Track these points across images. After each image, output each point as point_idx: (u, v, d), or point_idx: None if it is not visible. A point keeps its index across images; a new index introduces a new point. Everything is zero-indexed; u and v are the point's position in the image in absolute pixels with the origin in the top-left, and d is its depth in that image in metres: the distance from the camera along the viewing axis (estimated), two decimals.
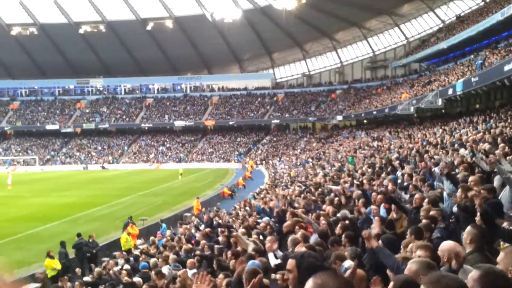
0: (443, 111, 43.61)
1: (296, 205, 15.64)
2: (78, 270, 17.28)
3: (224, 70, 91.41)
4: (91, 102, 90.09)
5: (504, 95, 35.89)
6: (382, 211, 10.10)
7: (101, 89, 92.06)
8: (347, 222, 9.24)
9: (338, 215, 11.21)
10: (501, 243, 5.52)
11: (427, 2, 68.24)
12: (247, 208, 23.73)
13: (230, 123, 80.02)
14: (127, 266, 14.90)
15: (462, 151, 15.46)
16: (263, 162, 65.84)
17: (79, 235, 20.16)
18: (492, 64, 33.47)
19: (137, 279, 12.30)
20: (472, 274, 2.77)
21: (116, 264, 16.05)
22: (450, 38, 53.44)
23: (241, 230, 13.07)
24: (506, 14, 39.55)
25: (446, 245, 4.60)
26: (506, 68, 28.20)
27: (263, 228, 12.79)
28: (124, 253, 19.07)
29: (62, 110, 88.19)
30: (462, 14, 62.29)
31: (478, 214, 6.08)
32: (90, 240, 20.25)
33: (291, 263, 3.86)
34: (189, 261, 12.07)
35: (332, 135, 69.96)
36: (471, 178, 8.69)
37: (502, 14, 40.59)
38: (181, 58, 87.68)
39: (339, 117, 71.65)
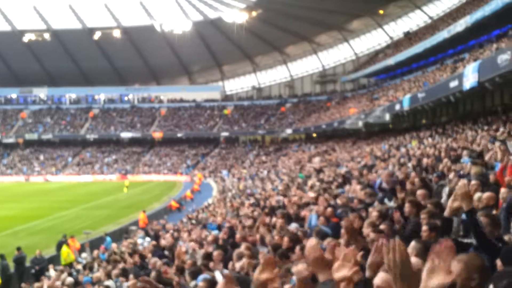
0: (390, 126, 44.26)
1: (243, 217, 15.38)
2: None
3: (173, 81, 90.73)
4: (34, 112, 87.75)
5: (450, 111, 36.66)
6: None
7: (45, 99, 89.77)
8: (299, 233, 9.12)
9: (289, 227, 11.05)
10: None
11: (376, 19, 69.50)
12: (193, 221, 23.36)
13: (179, 135, 79.22)
14: (69, 280, 14.32)
15: (411, 165, 15.54)
16: (212, 175, 65.36)
17: (19, 248, 19.41)
18: (438, 80, 34.15)
19: None
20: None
21: (58, 278, 15.44)
22: (397, 55, 54.53)
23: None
24: (453, 32, 40.60)
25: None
26: (452, 84, 28.78)
27: (211, 242, 12.45)
28: (65, 267, 18.42)
29: (3, 120, 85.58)
30: (409, 31, 63.72)
31: (425, 228, 5.96)
32: (37, 256, 19.55)
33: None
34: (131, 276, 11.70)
35: (281, 148, 70.13)
36: (418, 192, 8.67)
37: (448, 32, 41.65)
38: (128, 69, 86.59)
39: (289, 131, 71.94)
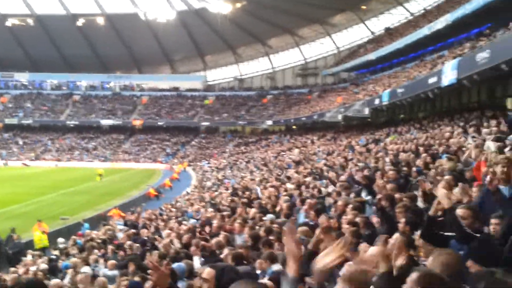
0: (369, 120, 44.60)
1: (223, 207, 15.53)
2: None
3: (155, 70, 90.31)
4: (15, 97, 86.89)
5: (428, 107, 37.07)
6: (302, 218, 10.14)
7: (26, 83, 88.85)
8: (274, 225, 9.27)
9: (265, 218, 11.22)
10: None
11: (358, 14, 69.84)
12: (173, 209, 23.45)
13: (159, 123, 79.03)
14: (43, 267, 14.31)
15: (388, 159, 15.79)
16: (191, 164, 65.34)
17: None
18: (417, 76, 34.53)
19: (55, 280, 11.81)
20: (410, 276, 2.87)
21: (34, 263, 15.43)
22: (378, 50, 54.91)
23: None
24: (433, 29, 41.01)
25: (374, 250, 4.60)
26: (431, 81, 29.15)
27: (187, 231, 12.58)
28: (39, 251, 18.43)
29: None
30: (391, 27, 64.16)
31: (403, 221, 6.16)
32: (15, 240, 19.51)
33: (209, 272, 3.74)
34: (110, 262, 11.80)
35: (261, 139, 70.28)
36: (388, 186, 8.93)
37: (429, 29, 42.06)
38: (111, 56, 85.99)
39: (269, 122, 72.11)
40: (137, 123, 79.52)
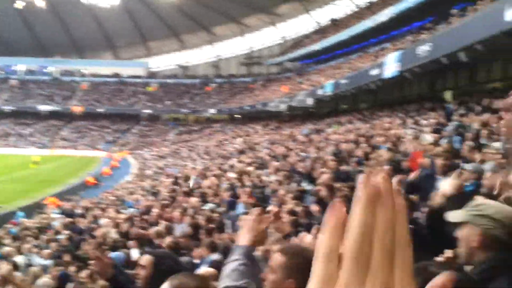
0: (312, 110, 44.96)
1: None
2: None
3: (97, 55, 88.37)
4: None
5: (370, 98, 37.67)
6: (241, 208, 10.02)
7: None
8: (214, 215, 9.20)
9: (205, 207, 11.10)
10: None
11: (304, 4, 70.15)
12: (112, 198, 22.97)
13: (100, 110, 77.34)
14: None
15: (330, 149, 15.86)
16: (132, 152, 64.38)
17: None
18: (361, 68, 34.97)
19: None
20: None
21: None
22: (323, 40, 55.29)
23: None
24: (377, 21, 41.59)
25: (309, 239, 4.58)
26: (373, 72, 29.58)
27: (126, 220, 12.27)
28: None
29: None
30: (336, 18, 64.69)
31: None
32: None
33: (147, 259, 3.56)
34: (44, 252, 11.48)
35: (204, 128, 69.86)
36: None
37: (373, 21, 42.62)
38: (51, 40, 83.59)
39: (213, 111, 71.72)
40: (77, 109, 77.58)
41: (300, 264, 2.58)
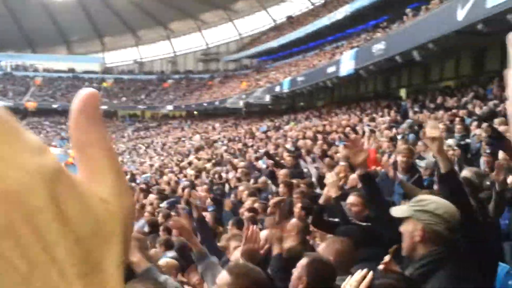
0: (270, 107, 45.15)
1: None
2: None
3: (50, 50, 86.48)
4: None
5: (326, 95, 38.07)
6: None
7: None
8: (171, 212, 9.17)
9: (162, 204, 11.07)
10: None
11: (260, 1, 70.27)
12: None
13: (54, 106, 75.82)
14: None
15: (288, 146, 16.00)
16: None
17: None
18: (317, 66, 35.29)
19: None
20: (301, 261, 3.03)
21: None
22: (280, 38, 55.54)
23: None
24: (333, 19, 42.00)
25: (265, 234, 4.77)
26: (329, 70, 29.90)
27: None
28: None
29: None
30: (292, 16, 65.06)
31: (298, 206, 6.22)
32: None
33: None
34: None
35: (161, 124, 69.37)
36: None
37: (329, 19, 43.02)
38: (2, 34, 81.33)
39: (170, 107, 71.19)
40: (30, 105, 75.86)
41: (244, 285, 2.71)
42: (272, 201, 6.36)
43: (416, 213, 2.97)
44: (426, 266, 2.84)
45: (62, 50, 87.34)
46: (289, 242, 4.66)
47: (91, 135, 0.45)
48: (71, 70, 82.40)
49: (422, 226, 2.92)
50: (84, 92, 0.47)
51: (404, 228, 3.01)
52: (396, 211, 3.16)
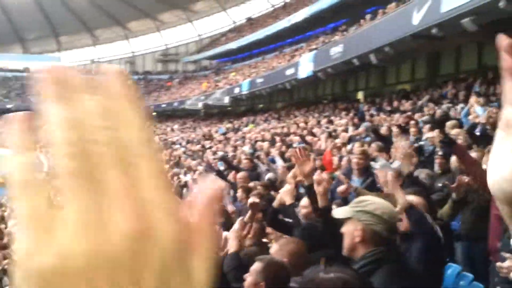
0: (229, 108, 45.11)
1: None
2: None
3: (5, 49, 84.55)
4: None
5: (285, 98, 38.23)
6: None
7: None
8: None
9: None
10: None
11: (219, 2, 70.17)
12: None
13: (8, 106, 73.99)
14: None
15: (245, 148, 16.01)
16: (42, 150, 62.21)
17: None
18: (276, 68, 35.41)
19: None
20: (254, 265, 3.03)
21: None
22: (239, 39, 55.55)
23: None
24: (292, 22, 42.24)
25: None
26: (288, 72, 30.05)
27: None
28: None
29: None
30: (252, 17, 65.14)
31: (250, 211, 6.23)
32: None
33: None
34: None
35: None
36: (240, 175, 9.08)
37: (288, 21, 43.24)
38: None
39: None
40: None
41: None
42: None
43: (356, 213, 3.02)
44: (366, 266, 2.89)
45: (17, 49, 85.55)
46: (247, 242, 4.74)
47: (203, 221, 0.40)
48: (27, 70, 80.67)
49: (362, 227, 2.97)
50: (214, 189, 0.40)
51: (345, 229, 3.06)
52: (338, 212, 3.21)
